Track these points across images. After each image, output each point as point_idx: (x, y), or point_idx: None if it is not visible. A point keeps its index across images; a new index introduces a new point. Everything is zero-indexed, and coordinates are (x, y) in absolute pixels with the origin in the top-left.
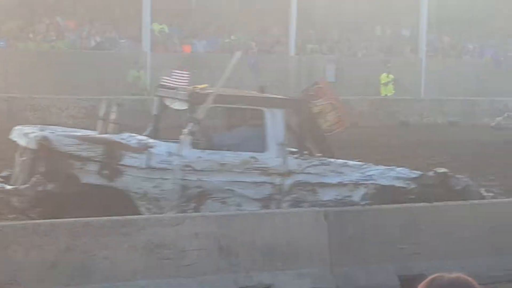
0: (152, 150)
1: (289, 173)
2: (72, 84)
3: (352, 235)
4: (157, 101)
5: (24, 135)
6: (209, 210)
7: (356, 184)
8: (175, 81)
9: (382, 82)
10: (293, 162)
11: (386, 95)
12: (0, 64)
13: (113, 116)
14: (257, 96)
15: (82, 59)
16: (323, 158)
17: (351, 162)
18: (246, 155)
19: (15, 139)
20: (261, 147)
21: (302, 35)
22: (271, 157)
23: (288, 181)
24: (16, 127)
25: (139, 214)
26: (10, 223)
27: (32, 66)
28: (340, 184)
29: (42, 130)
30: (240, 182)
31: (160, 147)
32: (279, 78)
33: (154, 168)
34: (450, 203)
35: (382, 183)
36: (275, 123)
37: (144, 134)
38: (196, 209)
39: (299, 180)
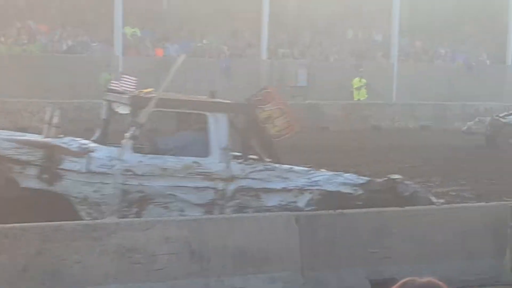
0: (92, 154)
1: (232, 178)
2: (44, 87)
3: (323, 239)
4: (105, 105)
5: None
6: (151, 216)
7: (301, 190)
8: (123, 86)
9: (355, 86)
10: (236, 167)
11: (359, 99)
12: None
13: (55, 120)
14: (200, 100)
15: (54, 63)
16: (268, 164)
17: (297, 168)
18: (188, 159)
19: None
20: (204, 152)
21: (274, 39)
22: (214, 162)
23: (231, 186)
24: None
25: (80, 219)
26: None
27: (3, 69)
28: (285, 190)
29: None
30: (182, 187)
31: (101, 152)
32: (251, 82)
33: (94, 173)
34: (421, 207)
35: (328, 189)
36: (218, 128)
37: (92, 138)
38: (138, 214)
39: (242, 186)
